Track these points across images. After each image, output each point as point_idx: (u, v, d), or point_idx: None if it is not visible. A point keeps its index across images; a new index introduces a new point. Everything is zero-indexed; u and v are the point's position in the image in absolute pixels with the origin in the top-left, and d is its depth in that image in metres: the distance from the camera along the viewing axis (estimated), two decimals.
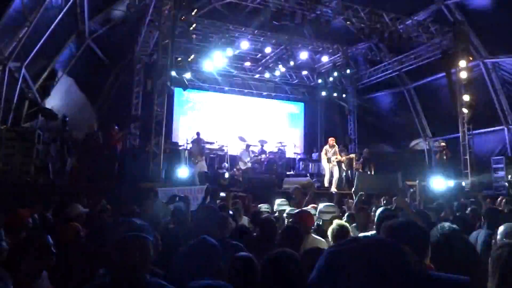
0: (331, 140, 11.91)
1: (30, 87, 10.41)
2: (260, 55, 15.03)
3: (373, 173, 12.98)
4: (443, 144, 12.76)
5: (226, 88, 16.79)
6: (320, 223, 4.51)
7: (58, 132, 10.42)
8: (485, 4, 12.14)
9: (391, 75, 15.69)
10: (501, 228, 2.78)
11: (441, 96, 14.44)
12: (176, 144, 13.58)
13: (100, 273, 2.60)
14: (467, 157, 12.81)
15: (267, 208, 6.38)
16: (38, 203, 5.54)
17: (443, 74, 13.19)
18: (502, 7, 11.69)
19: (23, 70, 9.74)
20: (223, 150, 13.61)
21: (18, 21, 8.91)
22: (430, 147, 15.84)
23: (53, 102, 11.34)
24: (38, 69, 10.72)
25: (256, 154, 13.18)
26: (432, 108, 15.61)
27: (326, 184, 11.75)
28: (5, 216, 3.59)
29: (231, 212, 5.67)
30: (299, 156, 15.89)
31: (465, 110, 12.92)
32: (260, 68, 15.70)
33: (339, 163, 11.93)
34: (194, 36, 11.00)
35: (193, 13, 10.07)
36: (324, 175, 12.18)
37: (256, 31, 13.45)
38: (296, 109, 18.56)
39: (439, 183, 12.05)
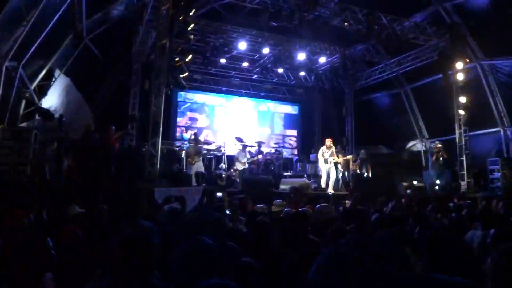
0: (328, 141, 11.92)
1: (27, 86, 10.36)
2: (257, 55, 15.03)
3: (370, 174, 13.03)
4: (439, 145, 12.80)
5: (224, 89, 16.80)
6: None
7: (55, 132, 10.38)
8: (482, 6, 12.19)
9: (388, 76, 15.73)
10: (491, 231, 2.79)
11: (438, 97, 14.49)
12: (173, 144, 13.56)
13: (97, 274, 2.60)
14: (463, 158, 12.87)
15: (265, 209, 6.38)
16: (34, 203, 5.52)
17: (440, 75, 13.24)
18: (499, 9, 11.75)
19: (20, 70, 9.70)
20: (221, 150, 13.61)
21: (15, 20, 8.88)
22: (426, 149, 15.89)
23: (50, 102, 11.30)
24: (35, 68, 10.68)
25: (253, 155, 13.18)
26: (429, 110, 15.67)
27: (323, 185, 11.76)
28: (1, 216, 3.58)
29: (228, 213, 5.68)
30: (296, 157, 15.90)
31: (461, 112, 13.00)
32: (258, 69, 15.70)
33: (336, 164, 11.94)
34: (192, 36, 10.98)
35: (191, 13, 10.04)
36: (321, 176, 12.19)
37: (254, 32, 13.46)
38: (294, 110, 18.57)
39: (436, 184, 12.11)
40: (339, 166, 12.32)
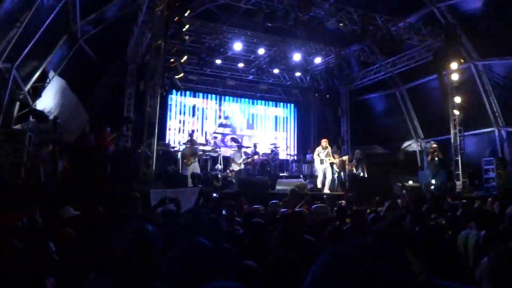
0: (324, 142, 11.94)
1: (21, 88, 10.29)
2: (253, 56, 15.03)
3: (365, 174, 13.05)
4: (434, 145, 12.85)
5: (219, 90, 16.78)
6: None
7: (49, 134, 10.32)
8: (477, 7, 12.27)
9: (383, 76, 15.78)
10: (482, 233, 2.80)
11: (433, 97, 14.57)
12: (169, 145, 13.53)
13: (91, 277, 2.58)
14: (459, 158, 12.95)
15: (261, 210, 6.36)
16: (28, 206, 5.47)
17: (435, 76, 13.31)
18: (493, 10, 11.84)
19: (14, 71, 9.63)
20: (217, 151, 13.60)
21: (8, 22, 8.81)
22: (422, 149, 15.96)
23: (44, 103, 11.23)
24: (29, 70, 10.60)
25: (249, 156, 13.17)
26: (424, 110, 15.74)
27: (319, 186, 11.78)
28: None
29: (224, 213, 5.67)
30: (292, 158, 15.91)
31: (456, 112, 13.07)
32: (253, 70, 15.70)
33: (331, 164, 11.97)
34: (187, 37, 10.97)
35: (186, 14, 10.02)
36: (317, 177, 12.20)
37: (249, 33, 13.45)
38: (289, 110, 18.59)
39: (431, 184, 12.15)
40: (335, 167, 12.34)
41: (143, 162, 9.10)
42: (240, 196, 8.19)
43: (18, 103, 10.38)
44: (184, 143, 13.06)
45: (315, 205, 5.25)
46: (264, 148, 14.32)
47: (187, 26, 10.28)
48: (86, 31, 11.93)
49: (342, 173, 12.78)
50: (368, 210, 6.32)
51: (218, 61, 14.33)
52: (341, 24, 12.03)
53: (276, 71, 15.66)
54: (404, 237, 2.00)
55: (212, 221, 3.15)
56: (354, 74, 16.75)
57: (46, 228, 4.33)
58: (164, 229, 3.87)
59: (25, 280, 2.31)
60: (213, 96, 16.89)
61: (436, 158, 12.38)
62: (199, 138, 15.35)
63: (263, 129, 17.49)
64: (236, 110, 17.33)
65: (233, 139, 13.55)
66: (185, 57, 10.80)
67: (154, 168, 9.22)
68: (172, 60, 10.13)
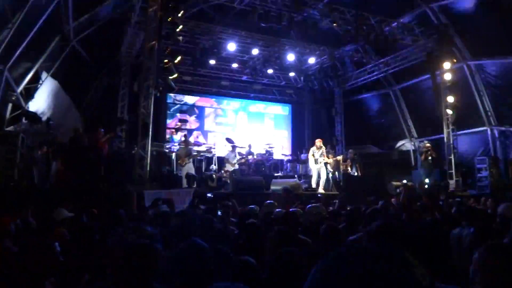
0: (318, 142, 11.96)
1: (13, 89, 10.20)
2: (247, 56, 15.02)
3: (360, 174, 13.10)
4: (428, 144, 12.93)
5: (213, 90, 16.76)
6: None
7: (42, 136, 10.25)
8: (469, 7, 12.36)
9: (377, 76, 15.87)
10: (471, 229, 2.83)
11: (426, 97, 14.66)
12: (163, 146, 13.48)
13: (86, 279, 2.57)
14: (452, 157, 13.04)
15: (256, 210, 6.35)
16: (21, 208, 5.43)
17: (428, 75, 13.40)
18: (486, 10, 11.94)
19: (6, 73, 9.55)
20: (211, 152, 13.57)
21: (0, 23, 8.74)
22: (415, 148, 16.06)
23: (37, 105, 11.14)
24: (22, 71, 10.52)
25: (244, 156, 13.16)
26: (417, 109, 15.84)
27: (314, 185, 11.79)
28: None
29: (220, 213, 5.66)
30: (286, 158, 15.91)
31: (449, 111, 13.17)
32: (247, 70, 15.69)
33: (326, 164, 11.99)
34: (181, 37, 10.94)
35: (179, 15, 9.99)
36: (311, 176, 12.22)
37: (243, 33, 13.44)
38: (284, 110, 18.61)
39: (425, 183, 12.22)
40: (329, 167, 12.37)
41: (138, 163, 9.07)
42: (231, 199, 8.16)
43: (10, 105, 10.29)
44: (178, 144, 13.03)
45: (310, 205, 5.26)
46: (258, 148, 14.31)
47: (180, 27, 10.24)
48: (78, 32, 11.86)
49: (336, 173, 12.81)
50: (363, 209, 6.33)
51: (212, 62, 14.31)
52: (334, 25, 12.07)
53: (270, 71, 15.67)
54: (400, 234, 2.01)
55: (206, 222, 3.14)
56: (348, 74, 16.81)
57: (40, 230, 4.30)
58: (156, 230, 3.86)
59: (24, 282, 2.29)
60: (209, 96, 16.87)
61: (430, 158, 12.46)
62: (199, 137, 15.37)
63: (258, 129, 17.48)
64: (231, 110, 17.33)
65: (227, 139, 13.52)
66: (179, 58, 10.77)
67: (148, 169, 9.19)
68: (166, 60, 10.10)
